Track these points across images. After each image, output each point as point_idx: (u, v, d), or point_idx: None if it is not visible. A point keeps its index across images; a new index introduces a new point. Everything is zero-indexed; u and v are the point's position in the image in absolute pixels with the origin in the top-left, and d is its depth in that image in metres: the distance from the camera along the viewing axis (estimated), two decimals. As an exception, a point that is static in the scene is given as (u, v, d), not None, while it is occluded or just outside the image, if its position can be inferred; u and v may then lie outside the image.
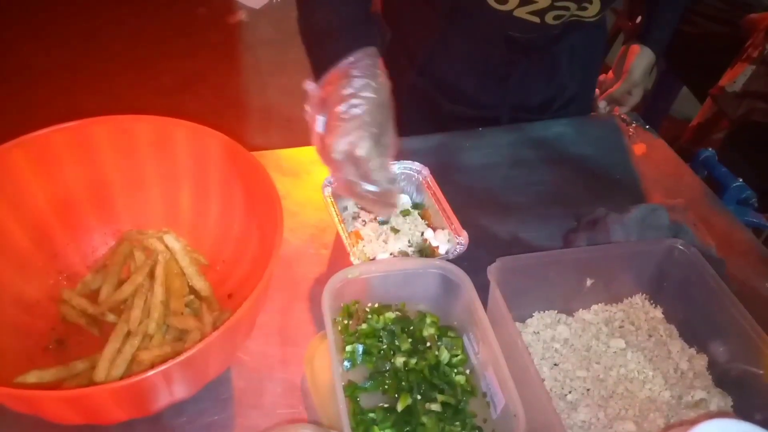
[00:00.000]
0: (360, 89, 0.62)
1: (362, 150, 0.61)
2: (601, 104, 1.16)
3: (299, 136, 0.85)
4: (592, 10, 0.88)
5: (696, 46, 1.98)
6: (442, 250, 0.75)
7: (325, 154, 0.63)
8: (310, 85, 0.66)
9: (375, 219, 0.79)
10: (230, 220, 0.70)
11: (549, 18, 0.87)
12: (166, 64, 2.79)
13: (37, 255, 0.67)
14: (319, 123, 0.64)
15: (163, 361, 0.46)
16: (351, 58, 0.64)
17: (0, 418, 0.59)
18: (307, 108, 0.65)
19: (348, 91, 0.62)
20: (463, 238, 0.74)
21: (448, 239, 0.76)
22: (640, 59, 1.08)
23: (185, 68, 2.78)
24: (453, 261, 0.69)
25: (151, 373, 0.46)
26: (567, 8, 0.86)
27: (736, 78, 1.65)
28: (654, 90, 2.43)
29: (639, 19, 1.12)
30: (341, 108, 0.62)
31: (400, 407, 0.59)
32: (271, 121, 2.53)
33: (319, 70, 0.66)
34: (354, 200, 0.74)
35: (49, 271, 0.68)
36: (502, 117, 1.04)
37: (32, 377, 0.56)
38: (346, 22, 0.68)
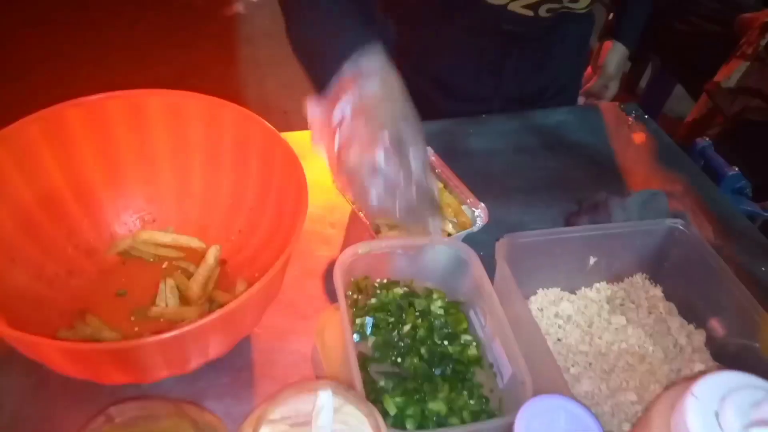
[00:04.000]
0: (369, 94, 0.58)
1: (380, 159, 0.57)
2: (580, 99, 1.21)
3: (297, 128, 0.87)
4: (583, 1, 0.89)
5: (690, 45, 2.02)
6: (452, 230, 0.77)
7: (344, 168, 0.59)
8: (312, 107, 0.61)
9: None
10: (244, 190, 0.72)
11: (542, 11, 0.89)
12: (163, 55, 2.79)
13: (55, 230, 0.68)
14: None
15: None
16: (354, 64, 0.59)
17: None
18: (313, 132, 0.61)
19: (356, 102, 0.58)
20: (481, 210, 0.76)
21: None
22: (612, 54, 1.14)
23: (182, 60, 2.78)
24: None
25: (200, 323, 0.47)
26: (559, 0, 0.87)
27: (731, 74, 1.68)
28: (648, 88, 2.46)
29: (611, 15, 1.16)
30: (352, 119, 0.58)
31: (407, 373, 0.61)
32: (269, 113, 2.50)
33: (320, 84, 0.62)
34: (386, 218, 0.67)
35: (66, 246, 0.69)
36: (494, 110, 1.05)
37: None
38: (342, 26, 0.63)
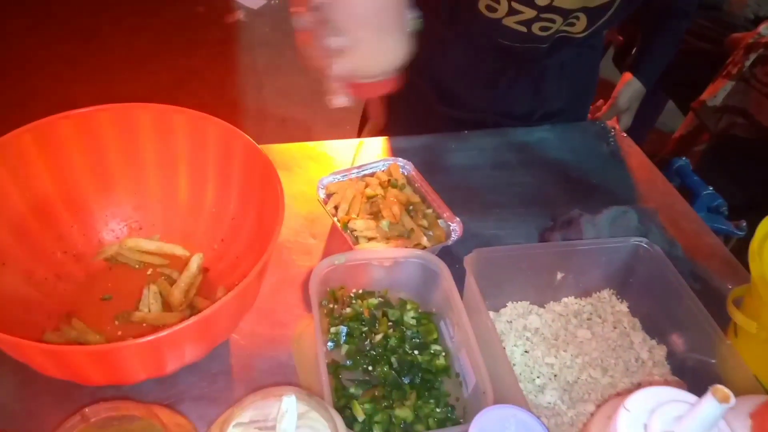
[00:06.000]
0: None
1: None
2: None
3: (294, 135, 0.90)
4: (579, 26, 0.93)
5: (682, 62, 2.05)
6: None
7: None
8: None
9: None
10: (227, 201, 0.75)
11: (535, 29, 0.92)
12: (163, 60, 2.83)
13: (44, 235, 0.71)
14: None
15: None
16: None
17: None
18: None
19: None
20: (456, 224, 0.79)
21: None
22: (627, 87, 1.16)
23: (182, 66, 2.82)
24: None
25: (175, 328, 0.51)
26: (553, 21, 0.91)
27: (717, 93, 1.71)
28: (641, 103, 2.50)
29: (635, 50, 1.18)
30: None
31: (377, 380, 0.64)
32: (265, 121, 2.58)
33: None
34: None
35: (55, 251, 0.72)
36: (488, 121, 1.09)
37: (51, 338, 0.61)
38: None
